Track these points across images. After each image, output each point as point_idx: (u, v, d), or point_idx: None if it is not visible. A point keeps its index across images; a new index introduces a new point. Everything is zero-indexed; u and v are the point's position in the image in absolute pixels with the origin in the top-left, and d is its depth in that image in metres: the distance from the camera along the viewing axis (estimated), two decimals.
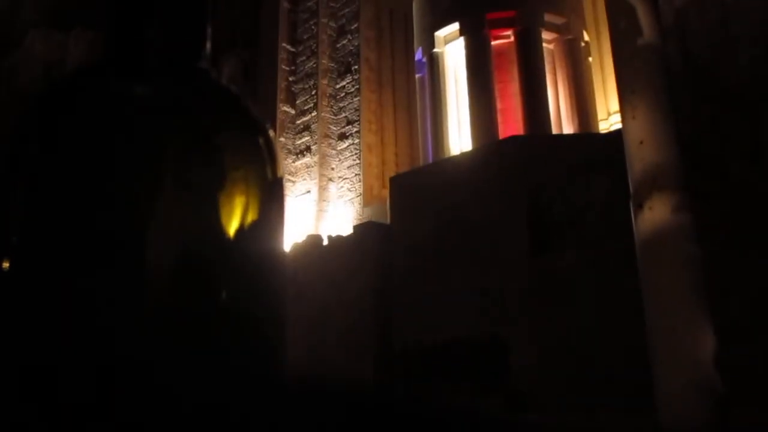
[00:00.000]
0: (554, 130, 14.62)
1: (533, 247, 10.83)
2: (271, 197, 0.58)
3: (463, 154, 13.45)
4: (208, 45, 0.63)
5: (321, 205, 17.92)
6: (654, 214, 5.37)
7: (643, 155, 5.55)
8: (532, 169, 11.29)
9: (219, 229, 0.53)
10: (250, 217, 0.56)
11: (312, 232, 16.60)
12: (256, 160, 0.58)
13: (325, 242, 14.30)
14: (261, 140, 0.59)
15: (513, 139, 12.43)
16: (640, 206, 5.50)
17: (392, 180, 14.06)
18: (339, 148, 18.32)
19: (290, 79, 19.86)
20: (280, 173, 0.60)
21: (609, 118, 16.09)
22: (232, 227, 0.54)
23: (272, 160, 0.59)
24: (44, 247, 0.52)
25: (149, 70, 0.58)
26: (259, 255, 0.57)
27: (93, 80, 0.57)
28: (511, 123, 14.59)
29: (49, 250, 0.52)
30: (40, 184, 0.54)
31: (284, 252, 0.62)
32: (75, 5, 20.83)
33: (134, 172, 0.52)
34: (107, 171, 0.52)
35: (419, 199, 12.68)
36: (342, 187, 17.82)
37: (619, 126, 7.24)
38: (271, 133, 0.62)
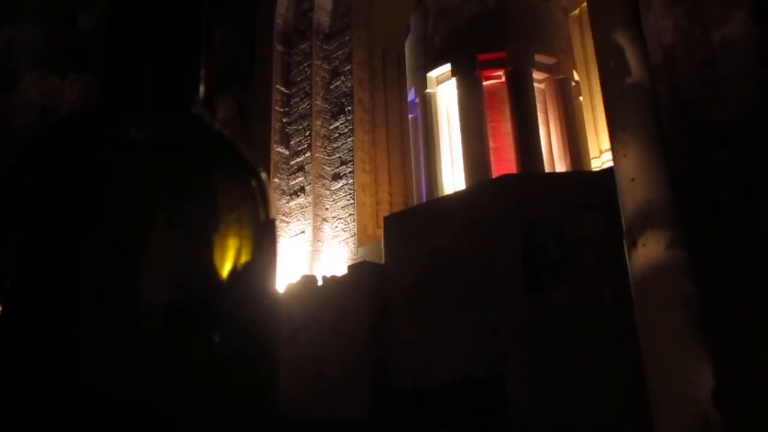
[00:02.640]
0: (547, 168, 14.70)
1: (528, 284, 10.81)
2: (263, 239, 0.59)
3: (457, 193, 13.49)
4: (202, 89, 0.64)
5: (315, 245, 17.88)
6: (648, 251, 5.38)
7: (635, 192, 5.58)
8: (526, 206, 11.32)
9: (212, 272, 0.54)
10: (243, 258, 0.56)
11: (306, 272, 16.54)
12: (249, 202, 0.58)
13: (320, 282, 14.24)
14: (254, 183, 0.60)
15: (506, 177, 12.49)
16: (633, 243, 5.51)
17: (386, 219, 14.07)
18: (333, 189, 18.36)
19: (284, 120, 19.99)
20: (272, 215, 0.61)
21: (601, 156, 16.21)
22: (225, 269, 0.54)
23: (265, 203, 0.60)
24: (37, 289, 0.52)
25: (143, 115, 0.59)
26: (252, 297, 0.57)
27: (87, 125, 0.58)
28: (504, 161, 14.67)
29: (41, 293, 0.52)
30: (33, 227, 0.54)
31: (278, 293, 0.62)
32: (70, 49, 21.02)
33: (128, 216, 0.52)
34: (101, 214, 0.53)
35: (413, 238, 12.68)
36: (336, 227, 17.81)
37: (611, 164, 7.30)
38: (264, 175, 0.63)
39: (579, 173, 13.74)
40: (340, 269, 15.29)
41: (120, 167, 0.55)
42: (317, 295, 13.85)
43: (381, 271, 13.22)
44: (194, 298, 0.54)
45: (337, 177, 18.36)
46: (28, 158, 0.58)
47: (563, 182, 12.11)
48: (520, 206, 11.36)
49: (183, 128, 0.60)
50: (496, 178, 12.91)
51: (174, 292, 0.53)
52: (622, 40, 5.97)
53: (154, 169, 0.55)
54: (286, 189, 19.26)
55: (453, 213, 12.29)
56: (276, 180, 19.25)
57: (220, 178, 0.58)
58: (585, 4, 14.67)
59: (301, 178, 19.01)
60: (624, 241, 5.69)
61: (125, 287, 0.52)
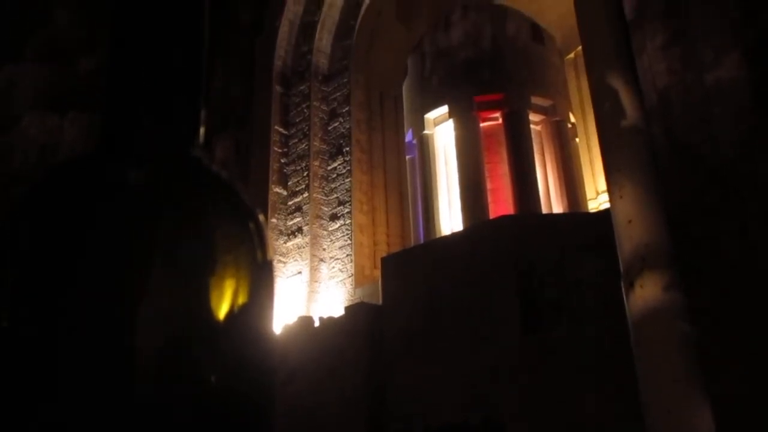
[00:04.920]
0: (544, 210, 14.73)
1: (526, 325, 10.75)
2: (260, 280, 0.59)
3: (455, 234, 13.49)
4: (201, 131, 0.65)
5: (312, 286, 17.81)
6: (645, 293, 5.37)
7: (631, 234, 5.60)
8: (524, 247, 11.32)
9: (209, 313, 0.54)
10: (240, 300, 0.56)
11: (303, 313, 16.44)
12: (247, 244, 0.59)
13: (317, 324, 14.15)
14: (251, 225, 0.60)
15: (504, 218, 12.51)
16: (631, 285, 5.51)
17: (384, 260, 14.05)
18: (330, 229, 18.36)
19: (282, 160, 20.08)
20: (269, 256, 0.61)
21: (598, 197, 16.25)
22: (222, 310, 0.55)
23: (262, 244, 0.60)
24: (34, 330, 0.53)
25: (143, 159, 0.60)
26: (249, 338, 0.57)
27: (88, 169, 0.59)
28: (501, 203, 14.71)
29: (38, 333, 0.52)
30: (32, 268, 0.55)
31: (275, 334, 0.62)
32: (71, 89, 21.21)
33: (126, 258, 0.53)
34: (100, 256, 0.53)
35: (411, 279, 12.64)
36: (333, 267, 17.77)
37: (608, 205, 7.32)
38: (262, 216, 0.63)
39: (576, 214, 13.77)
40: (337, 310, 15.20)
41: (119, 210, 0.55)
42: (314, 337, 13.76)
43: (378, 312, 13.15)
44: (192, 339, 0.54)
45: (334, 217, 18.38)
46: (29, 200, 0.58)
47: (561, 223, 12.13)
48: (518, 247, 11.36)
49: (182, 171, 0.61)
50: (494, 219, 12.93)
51: (172, 333, 0.53)
52: (617, 83, 6.05)
53: (153, 213, 0.56)
54: (283, 229, 19.26)
55: (451, 254, 12.27)
56: (273, 220, 19.27)
57: (218, 221, 0.59)
58: (580, 47, 14.88)
59: (298, 219, 19.03)
60: (622, 283, 5.69)
61: (123, 328, 0.52)
